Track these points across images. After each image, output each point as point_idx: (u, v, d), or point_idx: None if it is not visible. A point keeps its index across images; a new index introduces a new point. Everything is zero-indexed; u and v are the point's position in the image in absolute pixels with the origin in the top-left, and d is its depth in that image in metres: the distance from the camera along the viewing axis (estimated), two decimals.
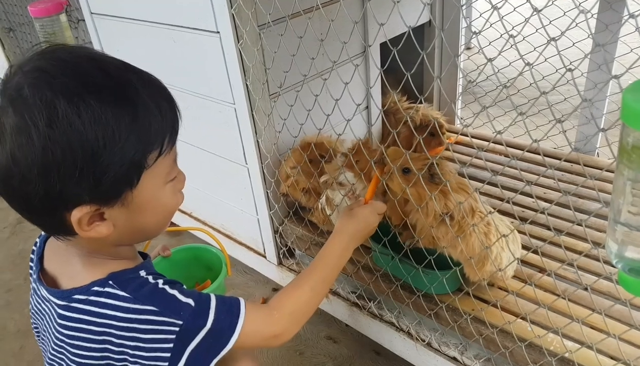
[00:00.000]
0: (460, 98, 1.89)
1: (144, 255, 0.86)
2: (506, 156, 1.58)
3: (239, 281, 1.72)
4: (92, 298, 0.72)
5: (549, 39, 0.68)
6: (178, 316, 0.72)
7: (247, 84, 1.19)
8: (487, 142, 1.65)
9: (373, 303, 1.25)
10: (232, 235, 1.61)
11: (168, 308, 0.72)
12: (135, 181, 0.68)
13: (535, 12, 0.64)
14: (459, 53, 1.69)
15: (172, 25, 1.28)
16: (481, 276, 1.02)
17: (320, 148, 1.22)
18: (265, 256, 1.52)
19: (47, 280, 0.78)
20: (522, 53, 0.75)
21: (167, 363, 0.72)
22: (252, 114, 1.23)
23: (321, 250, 0.98)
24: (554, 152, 1.62)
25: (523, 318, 1.00)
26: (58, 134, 0.60)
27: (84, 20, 1.58)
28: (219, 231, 1.63)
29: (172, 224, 1.75)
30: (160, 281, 0.75)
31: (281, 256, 1.48)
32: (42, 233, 0.84)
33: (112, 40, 1.54)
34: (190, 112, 1.41)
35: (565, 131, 0.77)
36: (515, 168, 1.49)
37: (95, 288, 0.72)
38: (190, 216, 1.73)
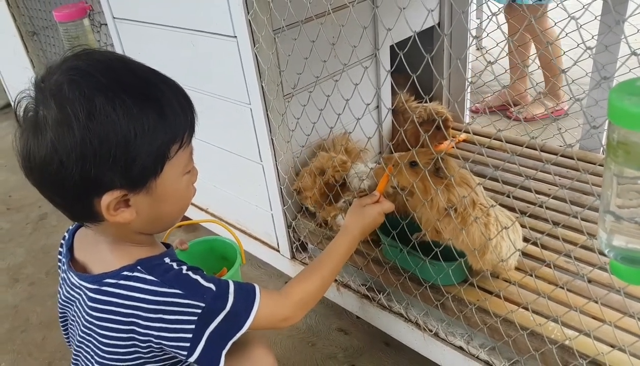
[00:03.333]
0: (468, 98, 1.94)
1: (167, 245, 0.92)
2: (522, 155, 1.62)
3: (254, 275, 1.77)
4: (122, 282, 0.78)
5: (547, 43, 0.73)
6: (201, 299, 0.78)
7: (262, 86, 1.24)
8: (492, 140, 1.69)
9: (382, 294, 1.30)
10: (247, 230, 1.67)
11: (192, 292, 0.78)
12: (159, 170, 0.75)
13: (531, 19, 0.69)
14: (467, 55, 1.73)
15: (191, 29, 1.33)
16: (483, 264, 1.06)
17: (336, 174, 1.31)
18: (278, 251, 1.57)
19: (78, 268, 0.85)
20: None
21: (188, 344, 0.78)
22: (267, 114, 1.28)
23: (331, 243, 1.06)
24: (556, 149, 1.66)
25: (525, 308, 1.04)
26: (96, 125, 0.68)
27: (106, 24, 1.65)
28: (234, 226, 1.69)
29: (186, 218, 1.83)
30: (184, 267, 0.81)
31: (294, 250, 1.53)
32: (71, 226, 0.91)
33: (134, 43, 1.60)
34: (208, 112, 1.46)
35: (564, 130, 0.81)
36: (520, 165, 1.53)
37: (125, 273, 0.78)
38: (206, 212, 1.79)
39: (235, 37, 1.21)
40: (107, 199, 0.72)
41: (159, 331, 0.77)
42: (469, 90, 1.88)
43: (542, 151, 1.60)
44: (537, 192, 1.45)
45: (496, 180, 1.43)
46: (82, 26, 1.78)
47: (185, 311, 0.77)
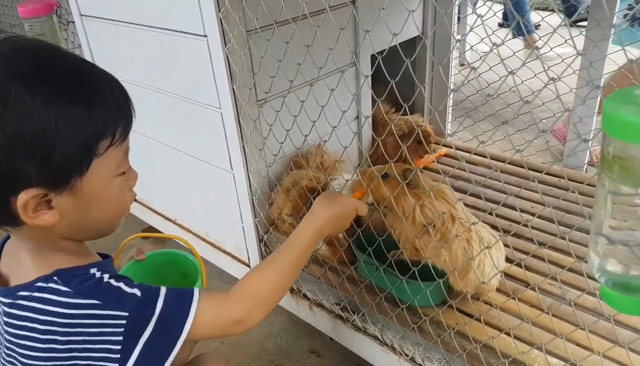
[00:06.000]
0: (450, 111, 1.90)
1: (105, 256, 0.83)
2: (505, 172, 1.59)
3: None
4: (35, 294, 0.70)
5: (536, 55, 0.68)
6: (122, 308, 0.70)
7: (233, 89, 1.18)
8: (474, 155, 1.65)
9: (357, 315, 1.23)
10: (217, 243, 1.59)
11: (111, 301, 0.70)
12: (85, 168, 0.68)
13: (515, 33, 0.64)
14: (450, 62, 1.70)
15: (160, 28, 1.28)
16: (465, 285, 1.01)
17: (309, 184, 1.26)
18: (249, 266, 1.50)
19: (1, 282, 0.76)
20: (511, 69, 0.74)
21: (117, 356, 0.70)
22: (239, 119, 1.22)
23: (294, 233, 0.93)
24: (542, 166, 1.62)
25: (507, 334, 0.98)
26: (10, 113, 0.62)
27: (73, 22, 1.58)
28: (203, 239, 1.61)
29: (152, 229, 1.76)
30: (106, 276, 0.73)
31: None
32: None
33: (101, 42, 1.54)
34: (177, 116, 1.41)
35: (546, 148, 0.76)
36: (500, 181, 1.49)
37: (39, 284, 0.70)
38: (174, 223, 1.71)
39: (206, 36, 1.15)
40: (24, 198, 0.65)
41: (83, 352, 0.69)
42: (451, 103, 1.84)
43: (520, 166, 1.56)
44: (521, 210, 1.41)
45: (478, 197, 1.39)
46: (49, 23, 1.70)
47: (107, 323, 0.69)
